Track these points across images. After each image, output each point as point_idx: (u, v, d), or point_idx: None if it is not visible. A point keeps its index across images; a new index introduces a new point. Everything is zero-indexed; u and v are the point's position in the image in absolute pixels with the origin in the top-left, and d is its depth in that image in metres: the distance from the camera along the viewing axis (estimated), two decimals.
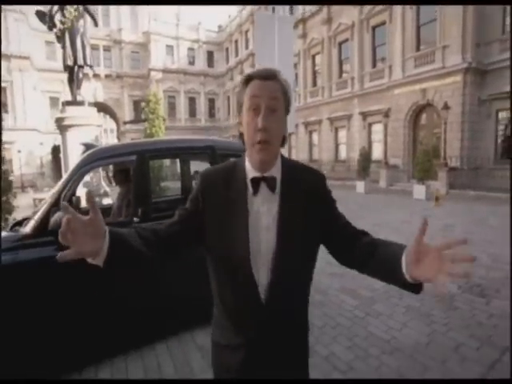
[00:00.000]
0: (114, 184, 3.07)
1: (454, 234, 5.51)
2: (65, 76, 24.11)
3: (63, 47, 6.86)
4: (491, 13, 11.88)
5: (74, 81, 7.10)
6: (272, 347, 0.79)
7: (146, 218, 2.31)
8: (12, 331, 1.89)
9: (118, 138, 30.16)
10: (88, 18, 6.95)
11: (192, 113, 32.27)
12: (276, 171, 0.81)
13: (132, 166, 2.41)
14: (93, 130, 6.98)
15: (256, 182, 0.79)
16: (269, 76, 0.76)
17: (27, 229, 2.09)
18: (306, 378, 0.89)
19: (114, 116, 30.67)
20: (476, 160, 12.39)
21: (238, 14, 30.30)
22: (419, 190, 10.90)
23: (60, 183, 2.20)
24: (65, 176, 2.27)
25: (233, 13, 31.80)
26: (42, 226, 2.05)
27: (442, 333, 2.47)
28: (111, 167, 3.53)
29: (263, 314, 0.77)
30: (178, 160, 3.42)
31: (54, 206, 2.10)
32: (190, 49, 32.05)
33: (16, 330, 1.91)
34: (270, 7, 24.75)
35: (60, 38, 6.83)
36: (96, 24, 7.54)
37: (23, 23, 24.28)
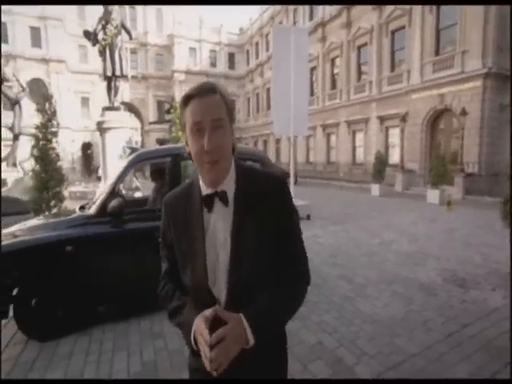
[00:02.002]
0: (150, 180, 3.76)
1: (455, 237, 5.82)
2: (95, 78, 25.69)
3: (104, 60, 7.79)
4: None
5: (111, 89, 8.01)
6: (241, 369, 0.74)
7: None
8: (84, 276, 2.62)
9: (142, 136, 31.74)
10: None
11: None
12: (228, 185, 0.79)
13: (167, 166, 3.06)
14: (127, 131, 7.93)
15: (209, 198, 0.78)
16: (207, 91, 0.73)
17: (92, 211, 2.80)
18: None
19: (138, 115, 32.23)
20: (494, 166, 12.28)
21: (258, 16, 30.93)
22: (433, 195, 11.01)
23: (115, 178, 2.89)
24: (118, 172, 2.95)
25: (254, 15, 32.50)
26: (102, 209, 2.75)
27: (416, 311, 2.94)
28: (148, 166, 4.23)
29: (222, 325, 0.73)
30: None
31: (111, 194, 2.80)
32: (212, 51, 33.11)
33: (86, 275, 2.63)
34: (290, 18, 25.13)
35: (101, 53, 7.76)
36: (131, 38, 8.43)
37: (60, 29, 26.19)
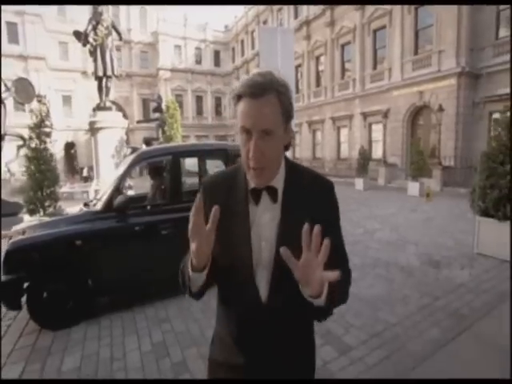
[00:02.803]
0: (149, 177, 3.94)
1: (432, 225, 6.30)
2: (77, 75, 25.06)
3: (95, 60, 7.81)
4: (485, 19, 12.47)
5: (102, 89, 8.03)
6: (272, 368, 0.77)
7: (179, 201, 3.17)
8: (93, 267, 2.81)
9: (127, 135, 31.27)
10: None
11: (199, 111, 33.17)
12: (278, 181, 0.78)
13: (168, 163, 3.27)
14: (119, 131, 7.98)
15: (257, 192, 0.77)
16: (260, 91, 0.69)
17: (98, 207, 2.98)
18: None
19: (123, 114, 31.69)
20: (468, 160, 13.03)
21: (244, 14, 30.97)
22: (413, 187, 11.61)
23: (119, 175, 3.07)
24: (121, 170, 3.14)
25: (239, 13, 32.53)
26: (109, 205, 2.93)
27: (397, 290, 3.31)
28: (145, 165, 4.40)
29: (265, 330, 0.76)
30: (197, 158, 4.25)
31: (116, 191, 2.99)
32: (197, 48, 32.90)
33: (94, 267, 2.82)
34: (275, 16, 25.28)
35: (92, 53, 7.77)
36: (121, 39, 8.45)
37: (39, 25, 25.35)
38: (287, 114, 0.74)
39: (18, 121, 19.98)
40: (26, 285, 2.66)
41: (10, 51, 23.93)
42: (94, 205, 3.11)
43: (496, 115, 12.45)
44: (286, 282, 0.71)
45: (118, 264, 2.93)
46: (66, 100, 28.46)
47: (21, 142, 8.62)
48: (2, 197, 7.88)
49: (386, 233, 5.79)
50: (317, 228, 0.61)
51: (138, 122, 20.69)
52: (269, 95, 0.69)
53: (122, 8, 29.95)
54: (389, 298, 3.14)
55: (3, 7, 23.47)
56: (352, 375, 2.05)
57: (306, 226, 0.62)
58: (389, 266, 4.04)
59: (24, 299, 2.66)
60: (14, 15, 24.48)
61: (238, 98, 0.72)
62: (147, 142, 21.55)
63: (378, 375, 2.03)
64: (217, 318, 0.88)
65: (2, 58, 23.30)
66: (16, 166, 12.25)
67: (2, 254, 2.57)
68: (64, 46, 28.27)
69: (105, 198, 2.98)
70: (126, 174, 3.05)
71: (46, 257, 2.70)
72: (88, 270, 2.82)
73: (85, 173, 25.13)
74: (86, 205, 3.26)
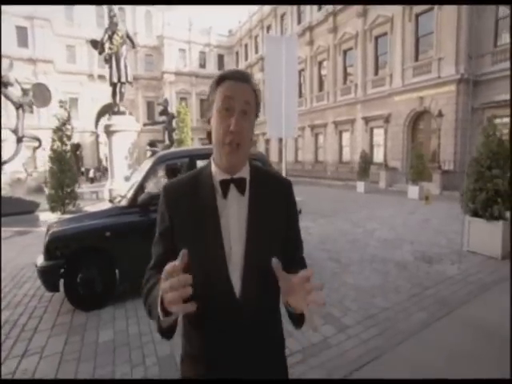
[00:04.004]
0: (166, 177, 4.31)
1: (428, 226, 6.63)
2: (83, 78, 25.62)
3: (110, 67, 8.27)
4: (484, 27, 12.84)
5: (116, 94, 8.47)
6: (247, 355, 0.76)
7: None
8: (119, 256, 3.17)
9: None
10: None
11: (203, 114, 33.64)
12: (245, 173, 0.80)
13: (185, 165, 3.64)
14: (132, 134, 8.42)
15: (225, 184, 0.78)
16: (243, 78, 0.76)
17: (123, 203, 3.35)
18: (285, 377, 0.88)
19: None
20: (466, 164, 13.32)
21: (248, 19, 31.53)
22: (413, 191, 11.93)
23: (142, 175, 3.45)
24: (144, 171, 3.51)
25: (243, 18, 33.11)
26: (133, 201, 3.31)
27: (391, 281, 3.65)
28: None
29: (240, 326, 0.75)
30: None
31: (140, 189, 3.36)
32: (202, 52, 33.50)
33: (120, 256, 3.18)
34: (279, 24, 25.61)
35: (107, 60, 8.24)
36: (134, 47, 8.93)
37: (47, 29, 26.00)
38: (257, 110, 0.79)
39: (28, 122, 20.48)
40: (62, 270, 3.04)
41: (19, 55, 24.56)
42: (119, 201, 3.48)
43: (497, 120, 12.82)
44: (259, 276, 0.74)
45: (140, 253, 3.28)
46: (73, 102, 28.95)
47: (36, 144, 9.04)
48: (19, 195, 8.31)
49: (384, 232, 6.12)
50: (277, 263, 0.65)
51: (145, 124, 21.18)
52: (249, 84, 0.77)
53: (128, 12, 30.63)
54: (383, 287, 3.48)
55: (13, 12, 24.19)
56: (348, 347, 2.39)
57: (274, 261, 0.64)
58: (385, 261, 4.38)
59: (62, 283, 3.03)
60: (24, 20, 25.16)
61: (219, 81, 0.76)
62: (152, 144, 22.00)
63: (369, 348, 2.38)
64: (184, 326, 0.81)
65: (13, 62, 24.00)
66: (31, 167, 12.74)
67: (44, 243, 2.95)
68: (71, 50, 28.97)
69: (129, 195, 3.35)
70: (149, 174, 3.42)
71: (80, 246, 3.07)
72: (115, 258, 3.19)
73: (91, 174, 25.64)
74: (110, 201, 3.63)
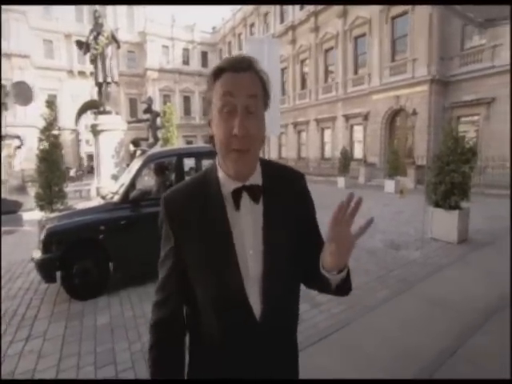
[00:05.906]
0: (155, 175, 4.54)
1: (400, 217, 7.19)
2: (62, 74, 24.93)
3: (95, 67, 8.30)
4: (453, 31, 13.66)
5: (102, 94, 8.52)
6: (259, 374, 0.70)
7: None
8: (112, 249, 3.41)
9: None
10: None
11: (187, 111, 33.47)
12: (257, 178, 0.71)
13: (173, 163, 3.91)
14: (119, 133, 8.51)
15: (237, 193, 0.68)
16: (244, 67, 0.64)
17: (116, 199, 3.59)
18: None
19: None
20: None
21: (231, 16, 31.54)
22: (389, 185, 12.60)
23: (133, 173, 3.68)
24: (134, 169, 3.74)
25: (226, 15, 33.08)
26: (125, 197, 3.55)
27: (361, 266, 4.08)
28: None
29: (259, 350, 0.69)
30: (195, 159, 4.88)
31: (131, 186, 3.61)
32: (185, 49, 33.22)
33: (113, 248, 3.43)
34: (262, 22, 25.77)
35: (93, 61, 8.27)
36: (119, 47, 8.98)
37: (23, 23, 25.02)
38: (267, 100, 0.69)
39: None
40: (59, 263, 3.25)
41: None
42: (111, 198, 3.71)
43: (465, 119, 13.71)
44: (280, 294, 0.69)
45: (132, 245, 3.54)
46: (52, 99, 28.08)
47: (18, 143, 8.92)
48: (2, 195, 8.24)
49: (359, 223, 6.59)
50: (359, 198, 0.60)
51: (129, 122, 20.94)
52: (252, 72, 0.66)
53: (109, 7, 29.86)
54: (354, 271, 3.87)
55: None
56: (318, 320, 2.77)
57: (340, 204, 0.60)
58: (357, 248, 4.77)
59: (58, 275, 3.25)
60: None
61: (217, 75, 0.65)
62: (136, 142, 21.79)
63: (338, 320, 2.76)
64: (191, 341, 0.76)
65: None
66: (17, 166, 12.49)
67: (41, 237, 3.15)
68: (49, 45, 28.03)
69: (121, 191, 3.59)
70: (140, 172, 3.67)
71: (75, 239, 3.29)
72: (109, 251, 3.43)
73: (72, 173, 25.05)
74: (103, 198, 3.85)
